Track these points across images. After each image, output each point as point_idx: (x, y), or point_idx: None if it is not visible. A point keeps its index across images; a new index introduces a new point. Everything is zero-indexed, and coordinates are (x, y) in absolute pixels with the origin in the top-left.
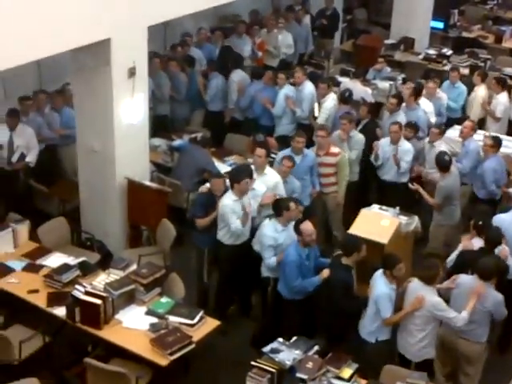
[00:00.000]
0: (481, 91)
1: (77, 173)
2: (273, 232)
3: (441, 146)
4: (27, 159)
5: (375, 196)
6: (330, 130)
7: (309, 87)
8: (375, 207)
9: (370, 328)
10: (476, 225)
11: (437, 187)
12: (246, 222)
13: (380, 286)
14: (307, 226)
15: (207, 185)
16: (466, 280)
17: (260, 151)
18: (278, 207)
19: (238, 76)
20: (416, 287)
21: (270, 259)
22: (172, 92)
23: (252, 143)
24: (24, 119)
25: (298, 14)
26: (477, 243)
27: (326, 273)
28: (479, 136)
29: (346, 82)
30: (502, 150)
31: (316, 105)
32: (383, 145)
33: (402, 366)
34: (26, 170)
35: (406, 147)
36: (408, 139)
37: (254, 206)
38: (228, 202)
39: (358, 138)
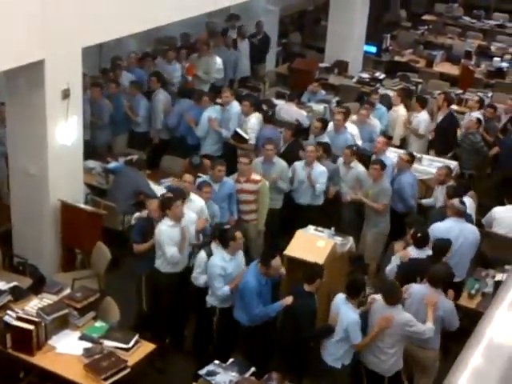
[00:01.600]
0: (402, 110)
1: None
2: (221, 261)
3: (357, 166)
4: None
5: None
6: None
7: (236, 107)
8: (311, 228)
9: (336, 354)
10: (415, 235)
11: (379, 192)
12: (184, 249)
13: (348, 313)
14: (278, 262)
15: (145, 211)
16: (418, 289)
17: (187, 177)
18: (224, 238)
19: (162, 95)
20: (380, 307)
21: (222, 289)
22: (92, 118)
23: (188, 165)
24: None
25: (228, 39)
26: (413, 252)
27: (289, 300)
28: (392, 153)
29: (281, 104)
30: (427, 169)
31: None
32: (297, 167)
33: (373, 382)
34: None
35: (320, 169)
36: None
37: (191, 231)
38: (164, 228)
39: (283, 166)
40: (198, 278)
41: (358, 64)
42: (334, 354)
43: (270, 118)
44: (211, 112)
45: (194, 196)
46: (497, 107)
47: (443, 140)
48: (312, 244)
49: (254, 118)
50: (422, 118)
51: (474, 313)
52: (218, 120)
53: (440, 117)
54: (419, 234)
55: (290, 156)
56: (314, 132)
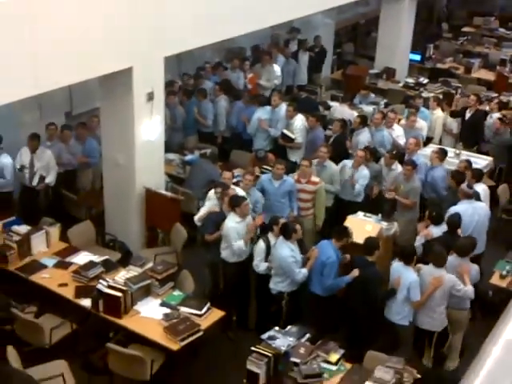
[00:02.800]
0: (439, 113)
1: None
2: (291, 252)
3: (397, 168)
4: (46, 180)
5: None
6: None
7: (283, 109)
8: (360, 214)
9: (403, 313)
10: (430, 214)
11: (410, 190)
12: (248, 242)
13: (409, 274)
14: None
15: (217, 205)
16: (450, 261)
17: (227, 174)
18: (288, 230)
19: (224, 101)
20: (429, 270)
21: (301, 272)
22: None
23: (254, 158)
24: (48, 143)
25: (289, 50)
26: (433, 230)
27: (356, 272)
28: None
29: (335, 105)
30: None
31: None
32: (346, 167)
33: (423, 339)
34: (46, 190)
35: (364, 172)
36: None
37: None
38: (232, 224)
39: (334, 169)
40: (259, 266)
41: (404, 70)
42: (401, 313)
43: (320, 119)
44: (261, 113)
45: (236, 188)
46: None
47: (469, 135)
48: (361, 227)
49: (299, 120)
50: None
51: (505, 291)
52: (267, 120)
53: (468, 114)
54: (434, 213)
55: (338, 145)
56: (354, 125)
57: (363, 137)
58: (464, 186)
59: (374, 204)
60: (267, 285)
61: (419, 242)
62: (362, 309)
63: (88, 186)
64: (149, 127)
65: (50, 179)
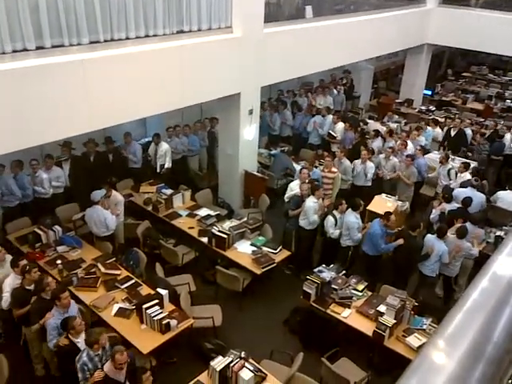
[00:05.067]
0: (438, 129)
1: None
2: (355, 219)
3: (393, 159)
4: (166, 166)
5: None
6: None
7: (329, 118)
8: (383, 195)
9: (433, 268)
10: (444, 195)
11: (410, 174)
12: (320, 216)
13: (442, 245)
14: (393, 218)
15: (297, 191)
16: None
17: (304, 171)
18: (355, 205)
19: (288, 112)
20: (453, 240)
21: (357, 236)
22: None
23: (314, 155)
24: (169, 139)
25: (338, 84)
26: (446, 206)
27: (401, 241)
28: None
29: (371, 122)
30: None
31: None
32: (356, 164)
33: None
34: (168, 174)
35: (370, 165)
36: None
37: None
38: (310, 203)
39: (347, 164)
40: (334, 232)
41: (419, 101)
42: (431, 269)
43: (353, 126)
44: (316, 118)
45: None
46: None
47: (455, 145)
48: (384, 204)
49: (340, 125)
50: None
51: (481, 254)
52: (319, 124)
53: (453, 132)
54: (446, 195)
55: (357, 147)
56: (370, 136)
57: (376, 143)
58: (473, 179)
59: (378, 186)
60: (329, 244)
61: (435, 214)
62: (405, 266)
63: (196, 167)
64: (248, 131)
65: (168, 165)
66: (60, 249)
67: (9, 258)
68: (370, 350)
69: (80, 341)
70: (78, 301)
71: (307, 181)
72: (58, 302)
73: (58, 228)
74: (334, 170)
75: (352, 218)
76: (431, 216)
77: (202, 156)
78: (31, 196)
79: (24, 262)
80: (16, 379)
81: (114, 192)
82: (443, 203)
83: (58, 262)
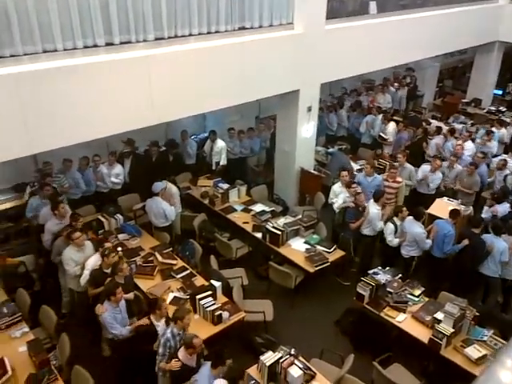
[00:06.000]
0: (504, 131)
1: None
2: (421, 229)
3: (457, 167)
4: (221, 163)
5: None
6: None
7: (379, 118)
8: (445, 199)
9: (495, 269)
10: (493, 195)
11: (472, 183)
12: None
13: (501, 243)
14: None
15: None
16: None
17: (344, 173)
18: (418, 214)
19: (344, 112)
20: (506, 238)
21: (428, 243)
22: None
23: (374, 154)
24: (229, 140)
25: (398, 83)
26: (499, 208)
27: (466, 241)
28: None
29: (434, 122)
30: None
31: (381, 133)
32: (426, 171)
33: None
34: (223, 170)
35: (438, 175)
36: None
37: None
38: (374, 210)
39: (411, 169)
40: (393, 241)
41: (489, 101)
42: (493, 270)
43: (405, 125)
44: (368, 118)
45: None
46: None
47: None
48: (445, 208)
49: (391, 126)
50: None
51: None
52: (370, 124)
53: None
54: (496, 195)
55: (417, 144)
56: (430, 133)
57: (436, 140)
58: None
59: (440, 194)
60: (389, 251)
61: (486, 213)
62: (470, 267)
63: (253, 164)
64: (306, 128)
65: (223, 162)
66: (121, 236)
67: (88, 243)
68: (424, 357)
69: (160, 325)
70: (136, 287)
71: (353, 190)
72: (113, 297)
73: (119, 216)
74: (398, 179)
75: (417, 228)
76: (483, 215)
77: (261, 156)
78: (93, 190)
79: (106, 245)
80: (83, 357)
81: (169, 184)
82: (495, 205)
83: (119, 249)
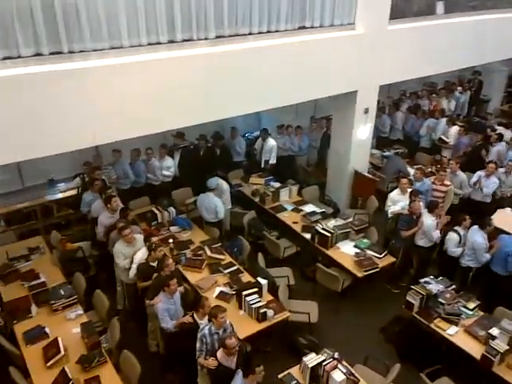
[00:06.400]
0: None
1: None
2: (483, 239)
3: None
4: (270, 162)
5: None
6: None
7: (443, 122)
8: (507, 209)
9: None
10: None
11: None
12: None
13: None
14: None
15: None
16: None
17: (403, 180)
18: (484, 223)
19: (401, 114)
20: None
21: (486, 257)
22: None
23: (433, 160)
24: (278, 137)
25: (462, 86)
26: None
27: None
28: None
29: (500, 128)
30: None
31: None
32: (481, 176)
33: None
34: (272, 169)
35: (494, 180)
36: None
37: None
38: (429, 221)
39: (463, 177)
40: (455, 251)
41: None
42: None
43: (465, 129)
44: (430, 122)
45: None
46: None
47: None
48: (509, 220)
49: (453, 129)
50: None
51: None
52: (432, 127)
53: None
54: None
55: (477, 150)
56: (492, 140)
57: (498, 147)
58: None
59: (497, 203)
60: (447, 261)
61: None
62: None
63: (302, 165)
64: (362, 130)
65: (272, 161)
66: (173, 229)
67: (139, 237)
68: (474, 373)
69: (203, 322)
70: (184, 279)
71: (412, 195)
72: (167, 288)
73: (172, 209)
74: (446, 182)
75: (479, 237)
76: None
77: (311, 156)
78: (143, 182)
79: (153, 239)
80: (130, 350)
81: (220, 180)
82: None
83: (170, 240)
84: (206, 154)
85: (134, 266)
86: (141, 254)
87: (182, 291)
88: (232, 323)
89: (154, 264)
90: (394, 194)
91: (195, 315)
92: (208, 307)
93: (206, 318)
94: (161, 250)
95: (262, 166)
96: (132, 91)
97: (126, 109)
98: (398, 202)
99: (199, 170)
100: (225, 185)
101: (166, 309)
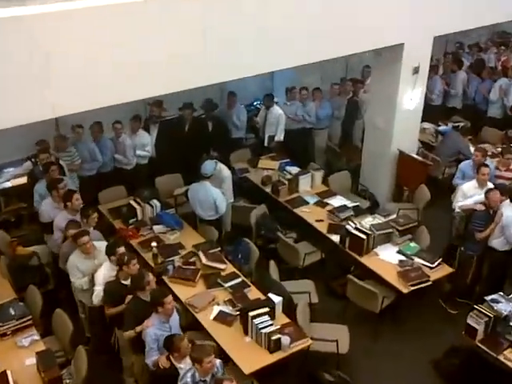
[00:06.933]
0: None
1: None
2: None
3: None
4: (276, 138)
5: None
6: None
7: None
8: None
9: None
10: None
11: None
12: None
13: None
14: None
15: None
16: None
17: (484, 170)
18: None
19: (462, 75)
20: None
21: None
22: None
23: (503, 136)
24: (288, 103)
25: None
26: None
27: None
28: None
29: None
30: None
31: None
32: None
33: None
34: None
35: None
36: None
37: None
38: (510, 213)
39: None
40: None
41: None
42: None
43: None
44: (501, 82)
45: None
46: None
47: None
48: None
49: None
50: None
51: None
52: (504, 91)
53: None
54: None
55: None
56: None
57: None
58: None
59: None
60: None
61: None
62: None
63: (323, 144)
64: (410, 97)
65: (278, 137)
66: (157, 228)
67: (102, 246)
68: None
69: (183, 366)
70: (172, 295)
71: (490, 185)
72: (160, 309)
73: (156, 203)
74: None
75: (509, 211)
76: None
77: (334, 131)
78: (110, 165)
79: (122, 250)
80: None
81: (220, 165)
82: None
83: (153, 244)
84: (192, 127)
85: (99, 288)
86: (104, 271)
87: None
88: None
89: (127, 282)
90: (469, 187)
91: (172, 358)
92: (186, 348)
93: (187, 359)
94: (135, 264)
95: (266, 143)
96: (102, 43)
97: (95, 69)
98: (472, 196)
99: (183, 149)
100: (225, 170)
101: (158, 338)
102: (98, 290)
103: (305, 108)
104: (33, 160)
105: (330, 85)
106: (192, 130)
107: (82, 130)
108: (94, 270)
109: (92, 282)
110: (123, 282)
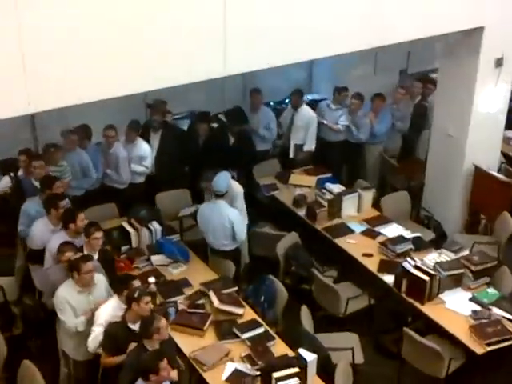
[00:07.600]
0: None
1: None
2: None
3: None
4: (305, 148)
5: None
6: None
7: None
8: None
9: None
10: None
11: None
12: None
13: None
14: None
15: None
16: None
17: None
18: None
19: None
20: None
21: None
22: None
23: None
24: (333, 107)
25: None
26: None
27: None
28: None
29: None
30: None
31: None
32: None
33: None
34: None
35: None
36: None
37: None
38: None
39: None
40: None
41: None
42: None
43: None
44: None
45: None
46: None
47: None
48: None
49: None
50: None
51: None
52: None
53: None
54: None
55: None
56: None
57: None
58: None
59: None
60: None
61: None
62: None
63: (371, 162)
64: (491, 97)
65: (309, 146)
66: (156, 259)
67: (101, 280)
68: None
69: None
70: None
71: None
72: (153, 377)
73: (156, 226)
74: None
75: None
76: None
77: (392, 141)
78: (96, 182)
79: (137, 283)
80: None
81: (230, 180)
82: None
83: (151, 280)
84: (209, 141)
85: (98, 329)
86: (108, 308)
87: (175, 379)
88: None
89: (135, 327)
90: None
91: None
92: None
93: None
94: (148, 302)
95: (291, 154)
96: (90, 20)
97: (82, 52)
98: None
99: (194, 167)
100: (236, 185)
101: None
102: (98, 331)
103: (355, 120)
104: (11, 174)
105: (395, 88)
106: (208, 144)
107: (76, 137)
108: (87, 309)
109: (90, 322)
110: (130, 325)
